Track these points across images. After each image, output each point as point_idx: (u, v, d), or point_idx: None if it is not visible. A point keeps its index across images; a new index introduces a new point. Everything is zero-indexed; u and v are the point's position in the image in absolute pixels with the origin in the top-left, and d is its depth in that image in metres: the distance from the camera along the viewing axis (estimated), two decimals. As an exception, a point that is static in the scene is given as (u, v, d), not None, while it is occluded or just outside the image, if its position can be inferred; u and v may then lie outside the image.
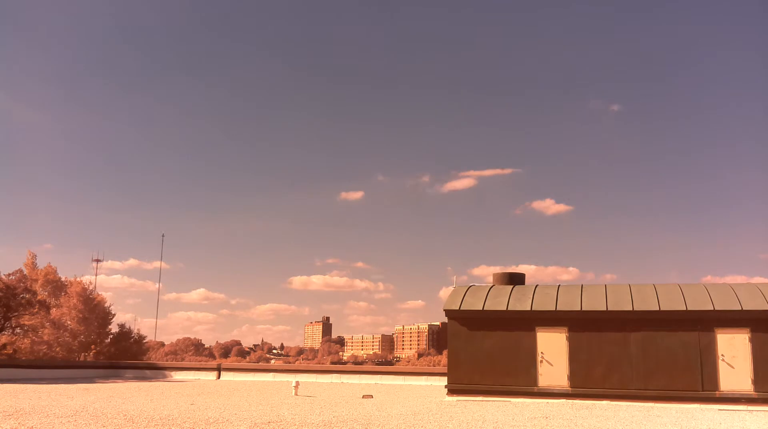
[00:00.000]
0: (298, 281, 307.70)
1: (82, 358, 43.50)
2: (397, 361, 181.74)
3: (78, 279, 47.45)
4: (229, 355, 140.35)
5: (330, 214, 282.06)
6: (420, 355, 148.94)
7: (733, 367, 20.20)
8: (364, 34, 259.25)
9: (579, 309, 21.49)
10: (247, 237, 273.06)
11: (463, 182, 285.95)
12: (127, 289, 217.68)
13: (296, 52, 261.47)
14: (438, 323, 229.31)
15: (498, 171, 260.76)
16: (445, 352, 51.03)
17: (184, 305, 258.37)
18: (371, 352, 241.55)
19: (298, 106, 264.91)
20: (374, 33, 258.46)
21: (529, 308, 21.88)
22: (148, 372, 37.42)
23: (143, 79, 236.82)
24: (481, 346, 21.91)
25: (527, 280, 24.94)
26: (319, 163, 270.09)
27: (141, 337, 50.35)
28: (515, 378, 21.39)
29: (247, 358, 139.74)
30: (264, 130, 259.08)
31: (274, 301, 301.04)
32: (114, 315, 47.59)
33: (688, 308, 20.77)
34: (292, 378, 30.80)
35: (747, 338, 20.32)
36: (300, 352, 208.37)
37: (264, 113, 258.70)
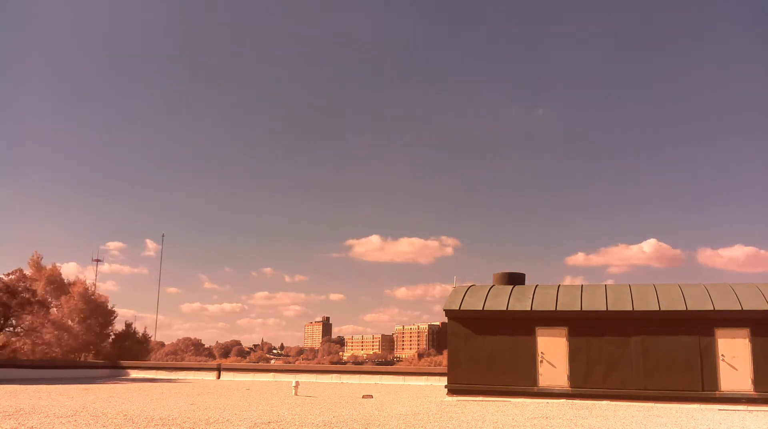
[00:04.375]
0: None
1: (83, 359, 43.50)
2: (397, 361, 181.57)
3: (80, 279, 47.58)
4: (228, 355, 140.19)
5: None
6: (420, 356, 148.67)
7: (733, 367, 20.19)
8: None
9: (579, 309, 21.49)
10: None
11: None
12: (127, 288, 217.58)
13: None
14: (438, 323, 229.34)
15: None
16: (445, 352, 50.97)
17: (183, 301, 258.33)
18: (371, 352, 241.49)
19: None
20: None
21: (529, 308, 21.88)
22: (148, 372, 37.42)
23: (146, 81, 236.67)
24: (481, 346, 21.90)
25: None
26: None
27: (145, 337, 50.38)
28: (515, 378, 21.38)
29: (247, 358, 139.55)
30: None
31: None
32: (116, 315, 47.70)
33: (688, 308, 20.76)
34: (292, 378, 30.77)
35: (747, 338, 20.32)
36: (300, 352, 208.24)
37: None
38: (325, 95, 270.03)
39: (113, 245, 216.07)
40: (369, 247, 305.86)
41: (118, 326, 48.10)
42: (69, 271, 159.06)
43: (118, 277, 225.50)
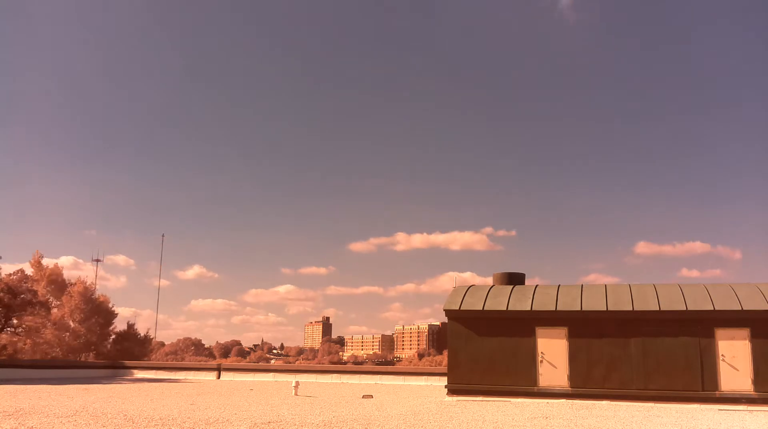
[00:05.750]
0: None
1: (83, 359, 43.53)
2: (397, 361, 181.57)
3: (81, 278, 47.62)
4: (229, 355, 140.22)
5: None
6: (420, 356, 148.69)
7: (733, 368, 20.20)
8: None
9: (579, 309, 21.49)
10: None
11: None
12: (126, 286, 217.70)
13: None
14: (438, 323, 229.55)
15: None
16: (445, 352, 51.01)
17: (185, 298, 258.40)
18: (371, 352, 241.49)
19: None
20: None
21: (529, 308, 21.89)
22: (148, 372, 37.45)
23: (146, 81, 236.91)
24: (481, 346, 21.91)
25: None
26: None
27: (147, 337, 50.43)
28: (515, 378, 21.39)
29: (247, 358, 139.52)
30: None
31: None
32: (116, 315, 47.77)
33: (688, 308, 20.77)
34: (292, 378, 30.79)
35: (747, 338, 20.32)
36: (300, 352, 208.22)
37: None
38: (326, 94, 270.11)
39: (112, 243, 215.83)
40: (366, 244, 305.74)
41: (119, 326, 48.23)
42: (68, 266, 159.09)
43: (117, 274, 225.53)
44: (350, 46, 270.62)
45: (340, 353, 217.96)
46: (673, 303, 21.13)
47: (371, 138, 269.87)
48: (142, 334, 49.56)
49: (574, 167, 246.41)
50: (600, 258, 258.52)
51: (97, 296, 47.27)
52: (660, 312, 20.92)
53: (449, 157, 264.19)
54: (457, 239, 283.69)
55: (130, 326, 48.50)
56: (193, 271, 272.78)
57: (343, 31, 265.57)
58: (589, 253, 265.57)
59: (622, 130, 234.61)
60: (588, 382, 20.92)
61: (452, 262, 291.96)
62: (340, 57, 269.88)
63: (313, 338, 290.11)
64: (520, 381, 21.34)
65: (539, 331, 21.60)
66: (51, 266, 47.09)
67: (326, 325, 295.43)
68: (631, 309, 21.17)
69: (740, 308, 20.45)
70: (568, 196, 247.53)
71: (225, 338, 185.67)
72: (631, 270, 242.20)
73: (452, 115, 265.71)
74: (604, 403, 20.17)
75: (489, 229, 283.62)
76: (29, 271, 43.61)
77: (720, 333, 20.50)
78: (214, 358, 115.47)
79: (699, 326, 20.65)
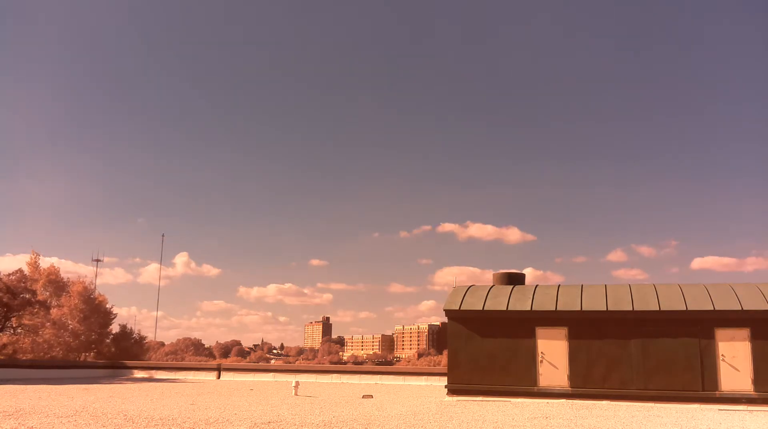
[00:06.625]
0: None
1: (82, 359, 43.53)
2: (397, 361, 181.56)
3: (80, 279, 47.57)
4: (229, 355, 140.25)
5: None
6: (420, 355, 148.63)
7: (733, 368, 20.20)
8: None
9: (579, 309, 21.49)
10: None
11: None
12: (126, 285, 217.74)
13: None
14: (438, 323, 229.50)
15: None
16: (445, 352, 50.98)
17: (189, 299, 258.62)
18: (371, 352, 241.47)
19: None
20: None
21: (529, 308, 21.89)
22: (148, 372, 37.45)
23: (147, 79, 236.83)
24: (481, 346, 21.91)
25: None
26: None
27: (142, 338, 50.48)
28: (515, 378, 21.39)
29: (247, 358, 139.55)
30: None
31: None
32: (115, 315, 47.74)
33: (689, 308, 20.77)
34: (292, 378, 30.79)
35: (747, 338, 20.33)
36: (300, 352, 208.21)
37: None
38: (326, 93, 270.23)
39: (112, 242, 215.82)
40: (367, 242, 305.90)
41: (116, 327, 48.17)
42: (66, 265, 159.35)
43: (116, 274, 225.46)
44: (350, 46, 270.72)
45: (340, 353, 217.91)
46: (673, 303, 21.13)
47: (371, 137, 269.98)
48: (136, 332, 49.59)
49: (594, 164, 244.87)
50: (623, 254, 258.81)
51: (95, 296, 47.25)
52: (660, 312, 20.92)
53: (451, 155, 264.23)
54: (461, 236, 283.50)
55: (123, 327, 48.47)
56: (193, 271, 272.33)
57: (343, 31, 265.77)
58: (610, 248, 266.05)
59: (645, 125, 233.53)
60: (588, 383, 20.92)
61: (454, 260, 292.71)
62: (340, 56, 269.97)
63: (313, 338, 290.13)
64: (520, 381, 21.33)
65: (539, 331, 21.60)
66: (48, 266, 47.09)
67: (326, 325, 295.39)
68: (631, 309, 21.18)
69: (740, 308, 20.45)
70: (580, 193, 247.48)
71: (225, 338, 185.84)
72: (655, 263, 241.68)
73: (453, 112, 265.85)
74: (604, 403, 20.17)
75: (494, 226, 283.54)
76: (26, 270, 43.59)
77: (720, 333, 20.50)
78: (214, 358, 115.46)
79: (699, 326, 20.65)
